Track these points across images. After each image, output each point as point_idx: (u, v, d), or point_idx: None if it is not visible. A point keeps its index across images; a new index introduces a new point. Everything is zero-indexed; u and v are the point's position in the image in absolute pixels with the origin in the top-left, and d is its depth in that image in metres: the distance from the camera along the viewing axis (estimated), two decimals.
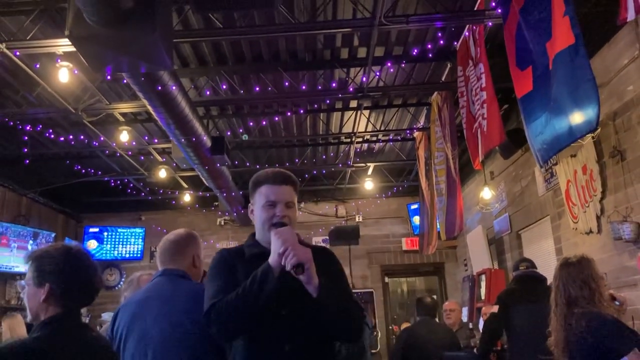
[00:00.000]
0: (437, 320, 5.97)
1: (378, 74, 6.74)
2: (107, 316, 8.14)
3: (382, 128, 8.77)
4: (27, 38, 5.22)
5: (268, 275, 1.80)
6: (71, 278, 1.88)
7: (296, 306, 1.89)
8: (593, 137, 5.45)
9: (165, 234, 2.82)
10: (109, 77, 6.04)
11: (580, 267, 2.89)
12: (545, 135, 4.05)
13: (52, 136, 7.66)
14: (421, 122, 8.51)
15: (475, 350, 5.09)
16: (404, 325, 8.83)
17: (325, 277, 1.89)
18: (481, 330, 4.74)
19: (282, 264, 1.81)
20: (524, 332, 4.13)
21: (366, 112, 7.94)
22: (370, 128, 8.62)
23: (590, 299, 2.79)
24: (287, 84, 6.71)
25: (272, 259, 1.84)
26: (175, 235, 2.72)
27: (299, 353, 1.86)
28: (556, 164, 6.40)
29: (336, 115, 8.40)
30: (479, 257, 9.27)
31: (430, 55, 6.43)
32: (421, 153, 8.71)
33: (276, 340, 1.86)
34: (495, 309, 4.63)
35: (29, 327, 5.76)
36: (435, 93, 7.40)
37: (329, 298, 1.84)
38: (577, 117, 3.64)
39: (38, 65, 5.72)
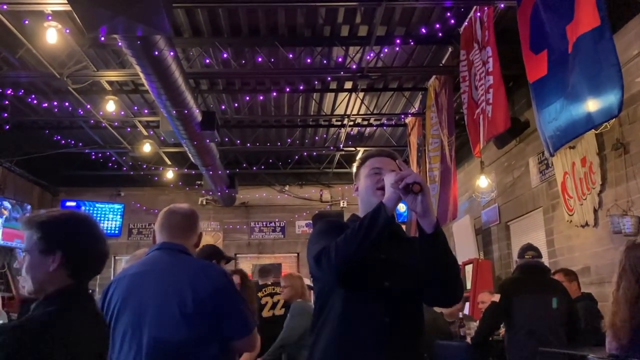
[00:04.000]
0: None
1: (385, 50, 6.53)
2: None
3: (376, 112, 8.60)
4: None
5: (380, 212, 1.74)
6: (84, 247, 1.72)
7: (398, 279, 1.87)
8: (595, 130, 5.37)
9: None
10: (102, 39, 5.72)
11: None
12: (559, 121, 3.92)
13: (35, 101, 7.30)
14: (416, 107, 8.36)
15: (469, 339, 4.97)
16: None
17: None
18: (480, 318, 4.61)
19: (399, 186, 1.74)
20: (527, 323, 4.02)
21: (361, 95, 7.76)
22: (363, 111, 8.45)
23: None
24: (288, 56, 6.46)
25: (385, 197, 1.78)
26: (184, 210, 2.53)
27: (398, 325, 1.84)
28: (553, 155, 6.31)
29: (329, 97, 8.19)
30: (465, 246, 9.20)
31: (432, 37, 6.26)
32: (413, 139, 8.58)
33: (377, 313, 1.84)
34: (496, 297, 4.50)
35: None
36: (433, 78, 7.25)
37: (443, 240, 1.78)
38: (598, 103, 3.52)
39: (27, 21, 5.37)
